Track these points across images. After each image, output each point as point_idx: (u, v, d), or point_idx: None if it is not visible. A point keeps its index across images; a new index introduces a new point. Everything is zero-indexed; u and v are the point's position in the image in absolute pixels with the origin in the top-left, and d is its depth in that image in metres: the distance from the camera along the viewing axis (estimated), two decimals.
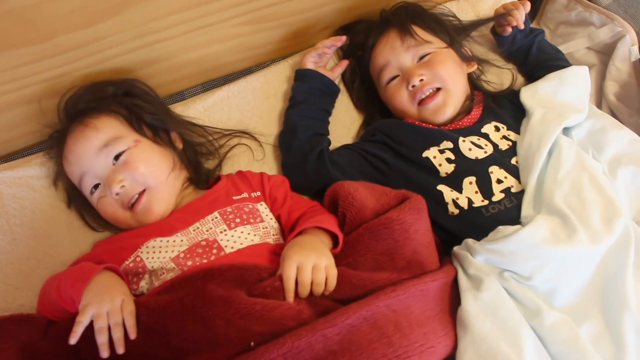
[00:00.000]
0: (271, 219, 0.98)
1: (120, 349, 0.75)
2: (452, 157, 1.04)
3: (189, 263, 0.87)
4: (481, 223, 0.96)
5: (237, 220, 0.93)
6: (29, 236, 1.03)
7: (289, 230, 0.96)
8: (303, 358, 0.72)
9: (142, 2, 0.98)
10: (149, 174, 0.95)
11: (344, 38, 1.16)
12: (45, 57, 0.98)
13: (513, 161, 1.03)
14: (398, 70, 1.13)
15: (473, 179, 1.01)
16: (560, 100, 1.13)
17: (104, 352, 0.74)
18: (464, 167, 1.02)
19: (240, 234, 0.92)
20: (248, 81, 1.21)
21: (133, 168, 0.94)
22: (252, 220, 0.94)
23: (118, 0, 0.96)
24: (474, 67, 1.21)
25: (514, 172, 1.02)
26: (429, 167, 1.04)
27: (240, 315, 0.75)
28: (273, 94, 1.21)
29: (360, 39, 1.20)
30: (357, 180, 1.00)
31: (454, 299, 0.88)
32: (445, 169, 1.03)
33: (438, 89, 1.10)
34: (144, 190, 0.95)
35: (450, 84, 1.10)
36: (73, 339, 0.75)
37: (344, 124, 1.23)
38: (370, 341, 0.74)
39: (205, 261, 0.87)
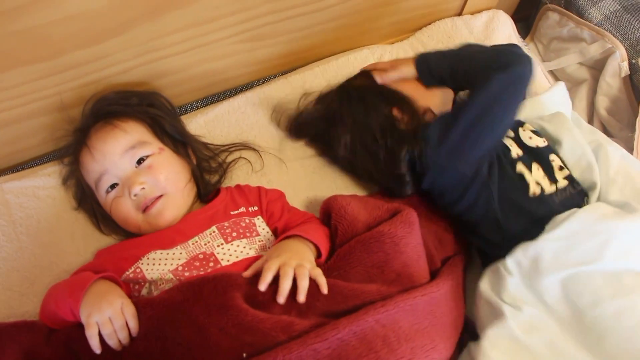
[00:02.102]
0: (267, 232, 1.00)
1: (124, 343, 0.79)
2: (516, 144, 1.04)
3: (187, 274, 0.90)
4: (554, 209, 0.95)
5: (234, 234, 0.96)
6: (35, 244, 1.06)
7: None
8: None
9: (145, 21, 1.02)
10: (169, 181, 0.98)
11: None
12: (52, 74, 1.02)
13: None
14: None
15: (539, 165, 1.01)
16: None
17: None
18: (529, 153, 1.02)
19: (237, 247, 0.95)
20: (248, 96, 1.25)
21: (156, 173, 0.97)
22: (248, 234, 0.97)
23: (122, 20, 0.99)
24: None
25: (565, 164, 1.02)
26: (506, 148, 1.02)
27: (233, 324, 0.77)
28: (272, 108, 1.24)
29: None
30: (351, 194, 1.03)
31: (443, 312, 0.89)
32: (517, 151, 1.02)
33: None
34: (161, 196, 0.97)
35: None
36: (97, 350, 0.78)
37: None
38: (359, 356, 0.76)
39: (202, 273, 0.90)
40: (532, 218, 0.96)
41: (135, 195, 0.96)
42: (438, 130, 0.99)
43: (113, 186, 0.98)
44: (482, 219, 1.00)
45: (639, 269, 0.88)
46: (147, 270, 0.92)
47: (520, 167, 1.00)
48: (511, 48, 1.10)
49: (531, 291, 0.90)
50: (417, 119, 1.05)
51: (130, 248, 0.97)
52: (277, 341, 0.76)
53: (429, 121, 1.04)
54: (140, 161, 0.98)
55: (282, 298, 0.80)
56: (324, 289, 0.82)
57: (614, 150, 1.02)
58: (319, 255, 0.91)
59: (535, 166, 1.01)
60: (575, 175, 1.01)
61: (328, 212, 1.00)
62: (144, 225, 0.98)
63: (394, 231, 0.91)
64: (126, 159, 0.97)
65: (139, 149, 0.98)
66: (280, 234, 0.99)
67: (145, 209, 0.97)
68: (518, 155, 1.02)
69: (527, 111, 1.11)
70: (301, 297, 0.80)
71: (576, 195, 0.99)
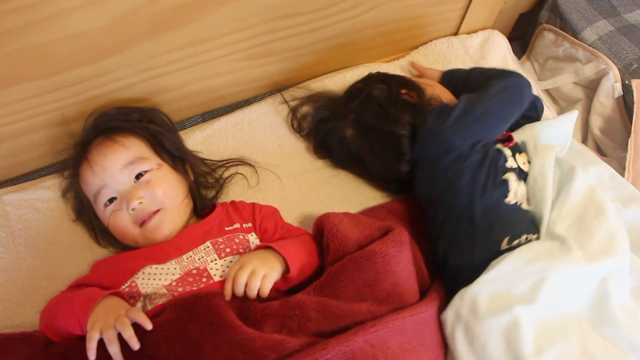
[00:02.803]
0: None
1: (135, 345, 0.79)
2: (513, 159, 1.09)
3: (180, 289, 0.92)
4: (525, 221, 1.00)
5: (227, 250, 0.98)
6: (33, 256, 1.08)
7: None
8: None
9: (144, 40, 1.04)
10: (167, 196, 1.00)
11: None
12: (52, 90, 1.05)
13: None
14: None
15: (525, 185, 1.05)
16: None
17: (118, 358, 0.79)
18: (520, 172, 1.06)
19: (230, 263, 0.96)
20: (245, 113, 1.28)
21: (154, 188, 0.99)
22: (241, 251, 0.99)
23: (122, 39, 1.02)
24: None
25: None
26: (504, 157, 1.07)
27: (225, 342, 0.79)
28: (268, 125, 1.27)
29: None
30: (343, 212, 1.05)
31: (431, 331, 0.91)
32: (512, 163, 1.06)
33: None
34: (158, 210, 0.99)
35: None
36: (91, 355, 0.78)
37: None
38: None
39: (195, 288, 0.92)
40: (503, 221, 0.99)
41: (132, 209, 0.98)
42: (441, 109, 1.09)
43: (111, 200, 1.00)
44: (460, 214, 1.02)
45: (573, 310, 0.89)
46: (141, 284, 0.93)
47: (509, 176, 1.03)
48: (518, 73, 1.18)
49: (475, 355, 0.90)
50: (423, 98, 1.15)
51: (127, 261, 0.99)
52: None
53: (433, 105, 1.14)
54: (139, 176, 1.00)
55: (226, 297, 0.85)
56: (263, 295, 0.86)
57: (580, 182, 1.02)
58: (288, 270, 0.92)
59: (521, 183, 1.04)
60: (531, 205, 1.04)
61: (321, 230, 1.01)
62: (140, 238, 1.00)
63: (385, 250, 0.93)
64: (125, 173, 1.00)
65: (138, 164, 1.00)
66: None
67: (142, 223, 0.99)
68: (512, 167, 1.05)
69: (533, 132, 1.14)
70: (249, 294, 0.86)
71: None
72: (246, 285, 0.86)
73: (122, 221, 1.00)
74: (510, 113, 1.09)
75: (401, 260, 0.94)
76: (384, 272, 0.91)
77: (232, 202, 1.11)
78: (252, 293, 0.86)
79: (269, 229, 1.05)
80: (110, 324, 0.79)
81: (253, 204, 1.10)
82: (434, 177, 1.06)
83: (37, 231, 1.11)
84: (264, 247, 0.94)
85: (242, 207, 1.09)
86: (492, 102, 1.07)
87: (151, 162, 1.02)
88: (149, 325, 0.81)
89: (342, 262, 0.93)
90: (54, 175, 1.17)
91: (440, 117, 1.07)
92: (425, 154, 1.08)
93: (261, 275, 0.87)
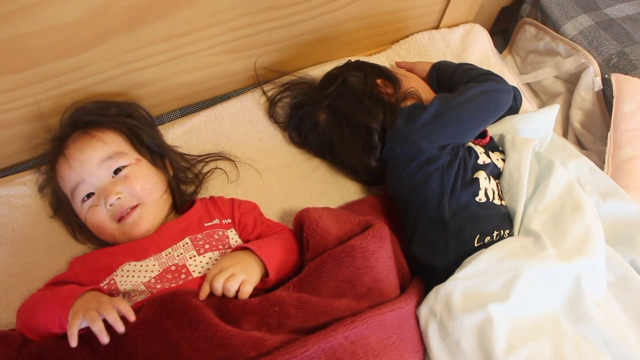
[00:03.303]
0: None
1: (121, 328, 0.78)
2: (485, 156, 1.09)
3: (159, 286, 0.91)
4: (497, 217, 1.00)
5: (207, 246, 0.97)
6: (8, 253, 1.06)
7: None
8: None
9: (122, 34, 1.03)
10: (145, 191, 0.99)
11: None
12: (27, 84, 1.03)
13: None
14: None
15: (496, 182, 1.06)
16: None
17: (104, 338, 0.77)
18: (492, 169, 1.07)
19: (209, 259, 0.96)
20: (224, 107, 1.26)
21: (132, 183, 0.98)
22: (220, 247, 0.98)
23: (99, 32, 1.00)
24: None
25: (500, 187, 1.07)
26: (475, 155, 1.07)
27: (204, 339, 0.79)
28: (248, 119, 1.26)
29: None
30: (323, 207, 1.05)
31: (411, 326, 0.91)
32: (484, 159, 1.07)
33: None
34: (137, 205, 0.98)
35: None
36: (73, 341, 0.76)
37: None
38: None
39: (173, 285, 0.91)
40: (473, 220, 0.99)
41: (110, 204, 0.97)
42: (411, 110, 1.07)
43: (89, 195, 0.99)
44: (431, 215, 1.02)
45: (547, 308, 0.89)
46: (120, 282, 0.93)
47: (479, 174, 1.03)
48: (500, 77, 1.16)
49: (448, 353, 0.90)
50: (397, 93, 1.14)
51: (105, 258, 0.98)
52: (247, 357, 0.78)
53: (408, 102, 1.13)
54: (117, 171, 0.99)
55: (201, 297, 0.85)
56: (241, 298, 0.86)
57: (558, 178, 1.02)
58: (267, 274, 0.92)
59: (492, 180, 1.05)
60: (505, 200, 1.05)
61: (300, 225, 1.00)
62: (118, 234, 0.99)
63: (365, 245, 0.92)
64: (103, 169, 0.98)
65: (116, 159, 0.99)
66: None
67: (120, 219, 0.98)
68: (484, 162, 1.06)
69: (513, 125, 1.15)
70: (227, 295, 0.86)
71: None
72: (224, 288, 0.86)
73: (99, 217, 0.98)
74: (484, 119, 1.08)
75: (381, 255, 0.94)
76: (363, 268, 0.91)
77: (212, 198, 1.10)
78: (229, 294, 0.85)
79: (248, 224, 1.04)
80: (92, 308, 0.79)
81: (232, 200, 1.09)
82: (403, 180, 1.06)
83: (12, 228, 1.09)
84: (243, 248, 0.94)
85: (221, 202, 1.08)
86: (465, 107, 1.04)
87: (129, 157, 1.01)
88: (132, 317, 0.80)
89: (322, 257, 0.93)
90: (30, 171, 1.15)
91: (410, 118, 1.06)
92: (394, 156, 1.08)
93: (240, 279, 0.86)
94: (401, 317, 0.90)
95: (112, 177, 0.99)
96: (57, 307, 0.84)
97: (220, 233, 1.01)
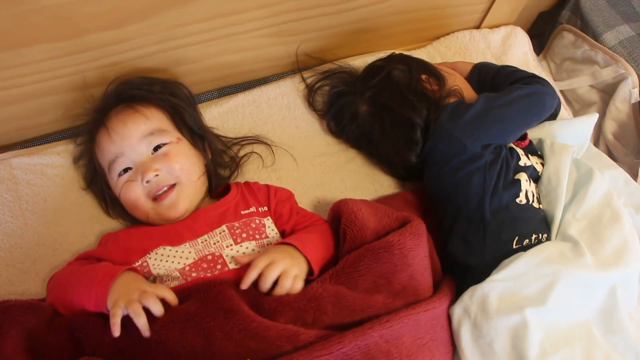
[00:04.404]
0: (276, 233, 1.00)
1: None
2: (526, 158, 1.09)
3: (194, 274, 0.90)
4: (536, 219, 1.00)
5: (244, 235, 0.96)
6: (40, 223, 1.06)
7: None
8: None
9: (170, 8, 1.01)
10: (184, 170, 0.97)
11: None
12: (72, 53, 1.01)
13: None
14: None
15: (535, 185, 1.06)
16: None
17: (147, 333, 0.77)
18: (533, 172, 1.06)
19: (245, 249, 0.94)
20: (263, 91, 1.25)
21: (171, 162, 0.97)
22: (257, 237, 0.97)
23: (148, 4, 0.99)
24: None
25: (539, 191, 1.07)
26: (517, 156, 1.06)
27: (238, 330, 0.78)
28: (286, 105, 1.24)
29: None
30: (361, 199, 1.04)
31: (443, 326, 0.90)
32: (525, 161, 1.06)
33: None
34: (174, 185, 0.97)
35: None
36: (116, 331, 0.76)
37: None
38: None
39: (209, 274, 0.90)
40: (513, 221, 0.98)
41: (147, 181, 0.96)
42: (456, 106, 1.07)
43: (126, 170, 0.98)
44: (470, 214, 1.01)
45: (581, 315, 0.89)
46: (153, 265, 0.91)
47: (520, 175, 1.03)
48: (546, 81, 1.15)
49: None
50: (442, 90, 1.12)
51: (139, 239, 0.96)
52: (282, 350, 0.77)
53: (451, 99, 1.12)
54: (157, 148, 0.98)
55: (244, 285, 0.82)
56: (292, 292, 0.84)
57: (598, 186, 1.01)
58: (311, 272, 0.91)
59: (532, 183, 1.04)
60: (543, 205, 1.04)
61: (337, 216, 1.00)
62: (152, 213, 0.98)
63: (403, 242, 0.92)
64: (143, 144, 0.97)
65: (157, 136, 0.98)
66: (288, 235, 1.00)
67: (157, 198, 0.96)
68: (525, 164, 1.05)
69: (552, 130, 1.14)
70: (276, 291, 0.83)
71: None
72: (278, 284, 0.84)
73: (134, 193, 0.97)
74: (528, 121, 1.08)
75: (418, 253, 0.93)
76: (401, 265, 0.90)
77: (247, 183, 1.09)
78: (282, 291, 0.83)
79: (284, 213, 1.03)
80: (135, 299, 0.78)
81: (268, 186, 1.08)
82: (444, 177, 1.05)
83: (45, 197, 1.08)
84: (286, 243, 0.92)
85: (257, 189, 1.07)
86: (511, 108, 1.04)
87: (171, 135, 1.00)
88: (175, 301, 0.79)
89: (360, 251, 0.92)
90: (64, 142, 1.14)
91: (454, 115, 1.05)
92: (437, 153, 1.07)
93: (292, 275, 0.84)
94: (434, 317, 0.89)
95: (151, 154, 0.97)
96: (94, 286, 0.83)
97: (257, 221, 1.00)
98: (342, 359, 0.77)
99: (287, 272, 0.84)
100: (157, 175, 0.96)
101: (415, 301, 0.89)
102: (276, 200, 1.05)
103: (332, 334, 0.80)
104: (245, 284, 0.83)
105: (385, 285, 0.89)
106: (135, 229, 1.01)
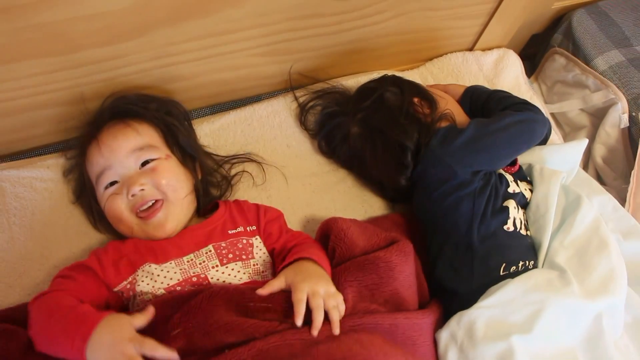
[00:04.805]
0: (264, 253, 1.00)
1: None
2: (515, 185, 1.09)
3: None
4: (523, 247, 1.00)
5: (230, 255, 0.96)
6: (27, 236, 1.05)
7: (282, 258, 0.97)
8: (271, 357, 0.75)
9: (165, 26, 1.02)
10: (170, 187, 0.97)
11: None
12: (65, 68, 1.02)
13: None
14: None
15: (523, 212, 1.06)
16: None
17: None
18: (521, 198, 1.07)
19: (231, 271, 0.94)
20: (255, 109, 1.26)
21: (158, 177, 0.96)
22: (244, 257, 0.96)
23: (143, 23, 0.99)
24: None
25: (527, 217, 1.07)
26: (506, 183, 1.07)
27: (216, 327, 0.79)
28: (278, 123, 1.25)
29: None
30: (351, 218, 1.04)
31: (425, 341, 0.90)
32: (514, 188, 1.06)
33: None
34: (161, 201, 0.96)
35: None
36: None
37: None
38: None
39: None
40: (500, 248, 0.99)
41: (132, 195, 0.95)
42: (447, 131, 1.07)
43: (113, 183, 0.98)
44: (458, 240, 1.01)
45: (564, 344, 0.89)
46: (139, 284, 0.91)
47: (509, 202, 1.03)
48: (537, 108, 1.16)
49: None
50: (433, 114, 1.13)
51: (126, 252, 0.95)
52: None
53: (443, 123, 1.12)
54: (145, 164, 0.98)
55: (316, 331, 0.80)
56: (336, 330, 0.81)
57: (586, 213, 1.01)
58: None
59: (520, 210, 1.05)
60: (531, 231, 1.04)
61: (327, 233, 1.00)
62: (137, 229, 0.97)
63: (389, 257, 0.93)
64: (132, 158, 0.97)
65: (146, 151, 0.98)
66: (277, 255, 0.99)
67: (145, 216, 0.96)
68: (514, 191, 1.05)
69: (542, 155, 1.14)
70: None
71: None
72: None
73: (118, 206, 0.96)
74: (518, 148, 1.09)
75: (404, 269, 0.94)
76: (386, 277, 0.91)
77: (237, 202, 1.08)
78: (336, 312, 0.83)
79: (274, 233, 1.03)
80: None
81: (257, 206, 1.07)
82: (433, 202, 1.05)
83: (33, 211, 1.08)
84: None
85: (246, 208, 1.06)
86: (502, 135, 1.05)
87: (160, 151, 1.00)
88: (169, 354, 0.75)
89: (346, 264, 0.93)
90: (54, 155, 1.14)
91: (445, 140, 1.05)
92: (427, 177, 1.07)
93: (334, 294, 0.86)
94: (415, 329, 0.89)
95: (139, 168, 0.97)
96: (76, 337, 0.76)
97: (244, 241, 0.99)
98: (308, 345, 0.78)
99: (335, 308, 0.84)
100: (142, 189, 0.95)
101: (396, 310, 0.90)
102: (266, 220, 1.04)
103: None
104: (299, 322, 0.80)
105: (368, 297, 0.90)
106: (123, 244, 0.99)
